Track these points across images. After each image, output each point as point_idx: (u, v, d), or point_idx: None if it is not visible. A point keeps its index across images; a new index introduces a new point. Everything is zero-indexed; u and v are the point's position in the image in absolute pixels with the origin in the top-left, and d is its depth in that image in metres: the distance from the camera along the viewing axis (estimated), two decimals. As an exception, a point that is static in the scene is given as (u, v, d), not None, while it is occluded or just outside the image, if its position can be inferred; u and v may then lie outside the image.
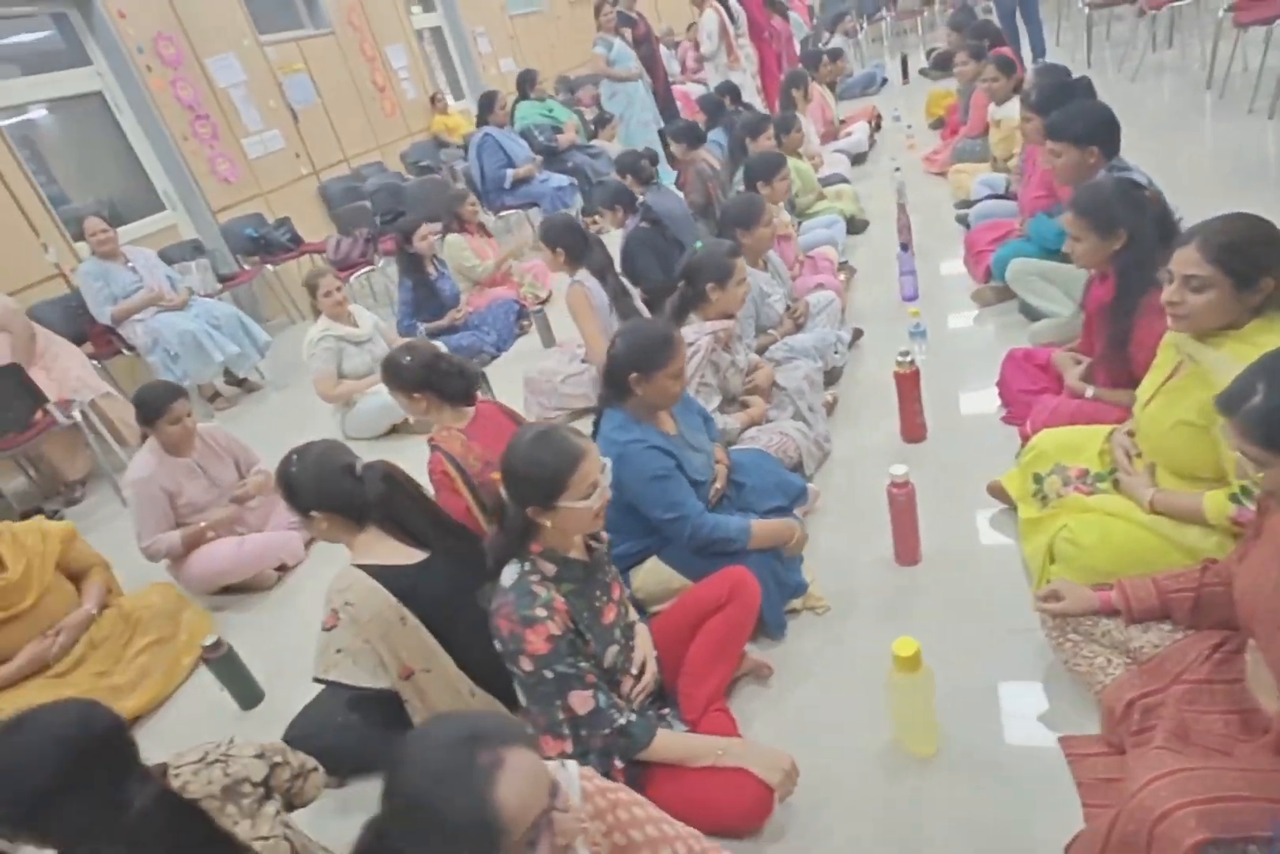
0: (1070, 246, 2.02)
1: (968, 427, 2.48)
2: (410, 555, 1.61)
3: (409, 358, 2.07)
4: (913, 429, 2.43)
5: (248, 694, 2.06)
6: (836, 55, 5.90)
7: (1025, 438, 2.08)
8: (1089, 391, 2.04)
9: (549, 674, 1.34)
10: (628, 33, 5.85)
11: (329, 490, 1.57)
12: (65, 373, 3.62)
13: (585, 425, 2.98)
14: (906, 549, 1.99)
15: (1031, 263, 2.81)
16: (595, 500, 1.37)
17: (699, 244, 2.58)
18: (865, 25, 9.36)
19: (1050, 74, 3.34)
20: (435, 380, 2.06)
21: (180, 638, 2.20)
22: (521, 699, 1.43)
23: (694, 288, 2.38)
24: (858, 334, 3.08)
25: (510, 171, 5.04)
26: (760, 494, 2.04)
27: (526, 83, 5.63)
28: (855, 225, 4.11)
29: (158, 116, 5.17)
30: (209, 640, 1.94)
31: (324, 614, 1.54)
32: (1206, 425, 1.46)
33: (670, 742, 1.43)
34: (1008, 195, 3.47)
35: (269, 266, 5.30)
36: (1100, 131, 2.40)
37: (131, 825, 1.02)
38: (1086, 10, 5.87)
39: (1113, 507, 1.67)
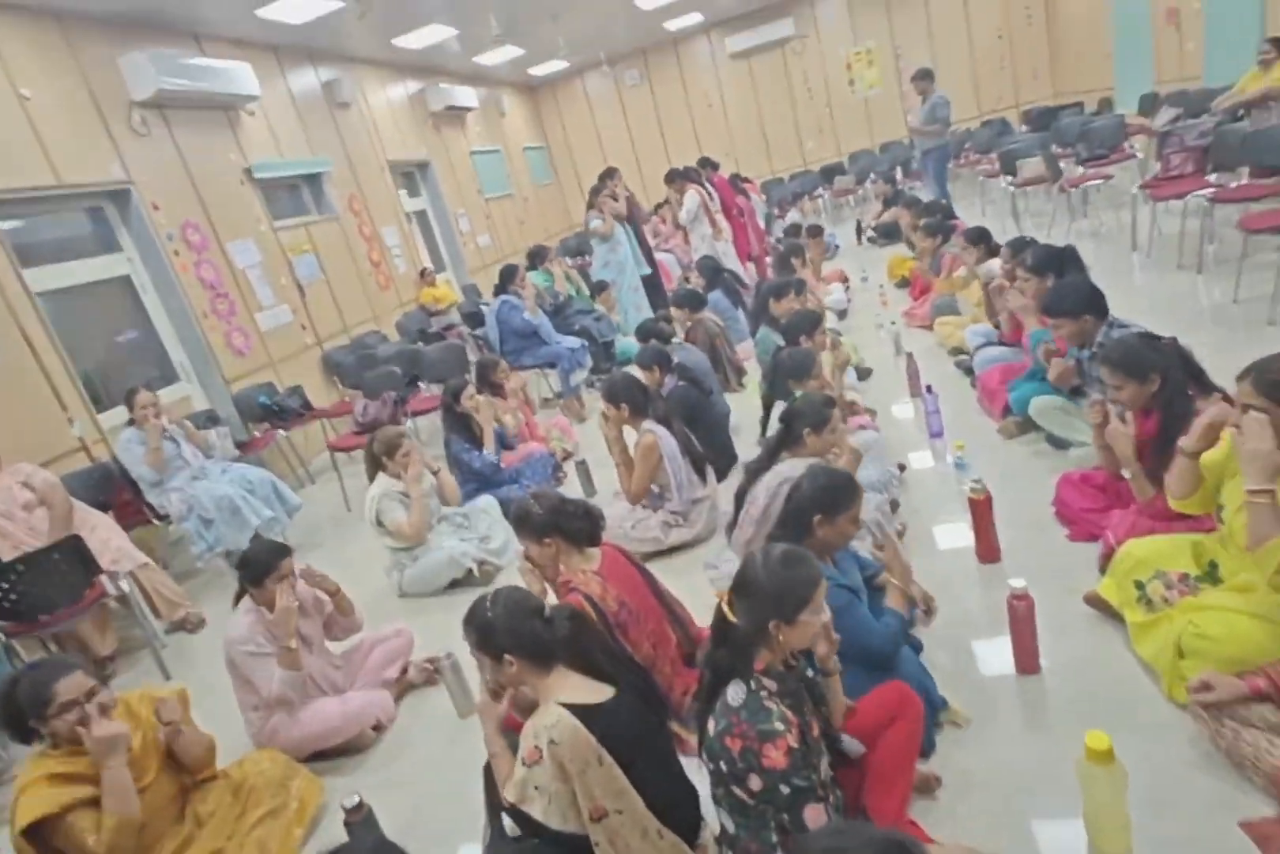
0: (1115, 396, 2.32)
1: (1035, 546, 2.65)
2: (598, 692, 1.63)
3: (536, 504, 2.18)
4: (989, 551, 2.59)
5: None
6: (817, 232, 6.66)
7: (1109, 549, 2.26)
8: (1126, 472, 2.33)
9: (785, 789, 1.36)
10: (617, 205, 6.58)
11: (523, 633, 1.62)
12: (104, 544, 3.54)
13: (656, 567, 3.10)
14: (1027, 657, 2.08)
15: (1051, 399, 3.14)
16: (825, 613, 1.48)
17: (798, 394, 2.85)
18: (807, 201, 10.62)
19: (1020, 244, 3.86)
20: (563, 523, 2.15)
21: (291, 807, 2.06)
22: (728, 826, 1.43)
23: (791, 432, 2.60)
24: (901, 468, 3.31)
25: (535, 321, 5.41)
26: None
27: (537, 256, 6.18)
28: (860, 373, 4.50)
29: (181, 295, 5.46)
30: (350, 802, 1.84)
31: (525, 748, 1.54)
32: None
33: None
34: (1003, 342, 3.90)
35: (281, 432, 5.41)
36: (1088, 302, 2.81)
37: None
38: (1011, 189, 6.88)
39: (1228, 602, 1.83)
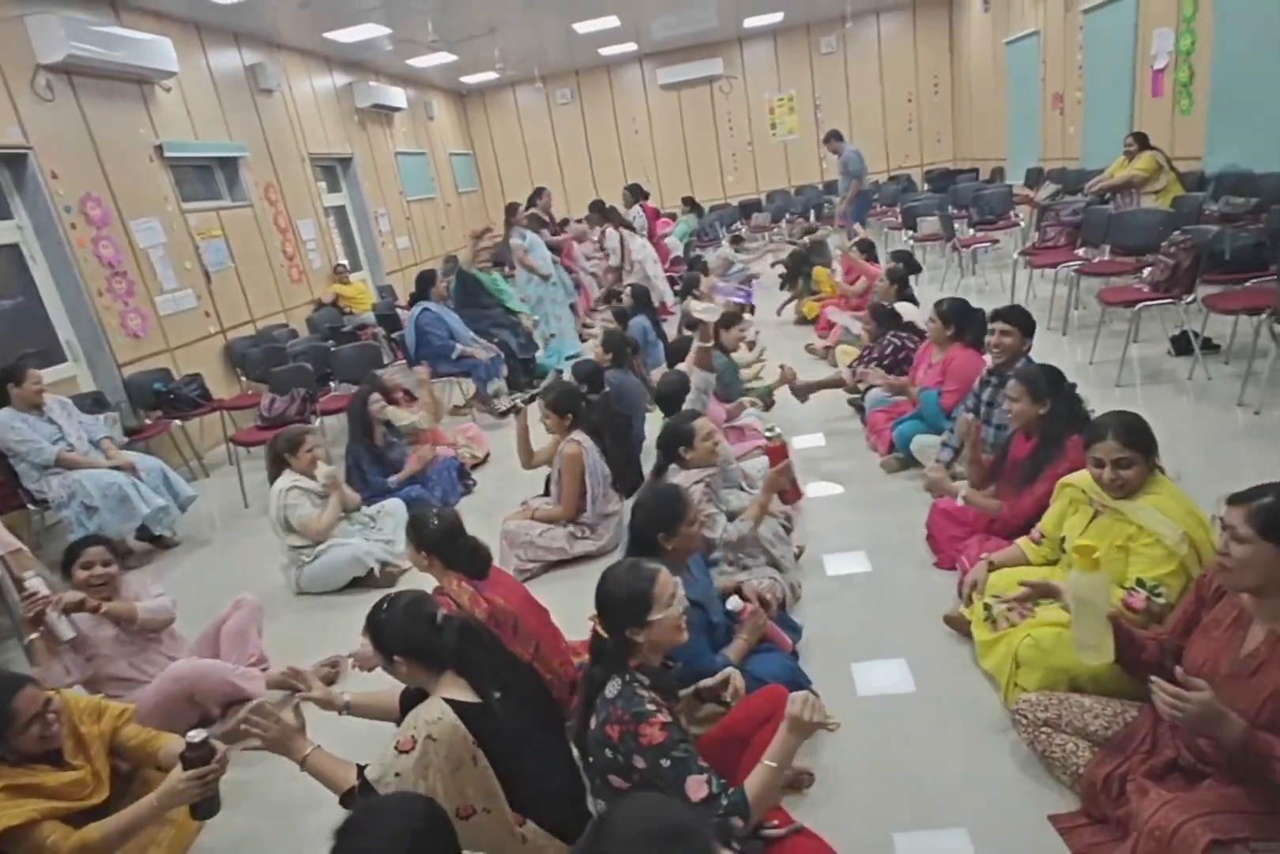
0: (1009, 405, 2.64)
1: (903, 569, 2.93)
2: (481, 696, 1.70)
3: (434, 520, 2.27)
4: (794, 494, 3.07)
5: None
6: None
7: (964, 573, 2.55)
8: (961, 494, 2.72)
9: (666, 762, 1.49)
10: (545, 233, 6.71)
11: (413, 637, 1.70)
12: (-29, 527, 3.35)
13: (561, 577, 3.22)
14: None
15: (929, 439, 3.47)
16: (677, 606, 1.63)
17: (666, 419, 3.03)
18: (726, 232, 11.05)
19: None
20: (446, 551, 2.25)
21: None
22: None
23: (669, 456, 2.78)
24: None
25: (460, 347, 5.45)
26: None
27: (427, 282, 6.20)
28: (765, 405, 4.78)
29: (75, 271, 5.20)
30: (197, 737, 1.69)
31: (402, 735, 1.60)
32: (1128, 547, 2.00)
33: (756, 784, 1.52)
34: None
35: (176, 421, 5.20)
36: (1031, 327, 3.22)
37: None
38: (911, 242, 7.45)
39: (1060, 618, 2.10)
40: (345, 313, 7.72)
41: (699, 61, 12.32)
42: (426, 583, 2.26)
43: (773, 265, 9.07)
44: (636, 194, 8.44)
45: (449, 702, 1.66)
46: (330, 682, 2.70)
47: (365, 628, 1.76)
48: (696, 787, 1.50)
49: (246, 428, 5.20)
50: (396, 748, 1.60)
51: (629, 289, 5.55)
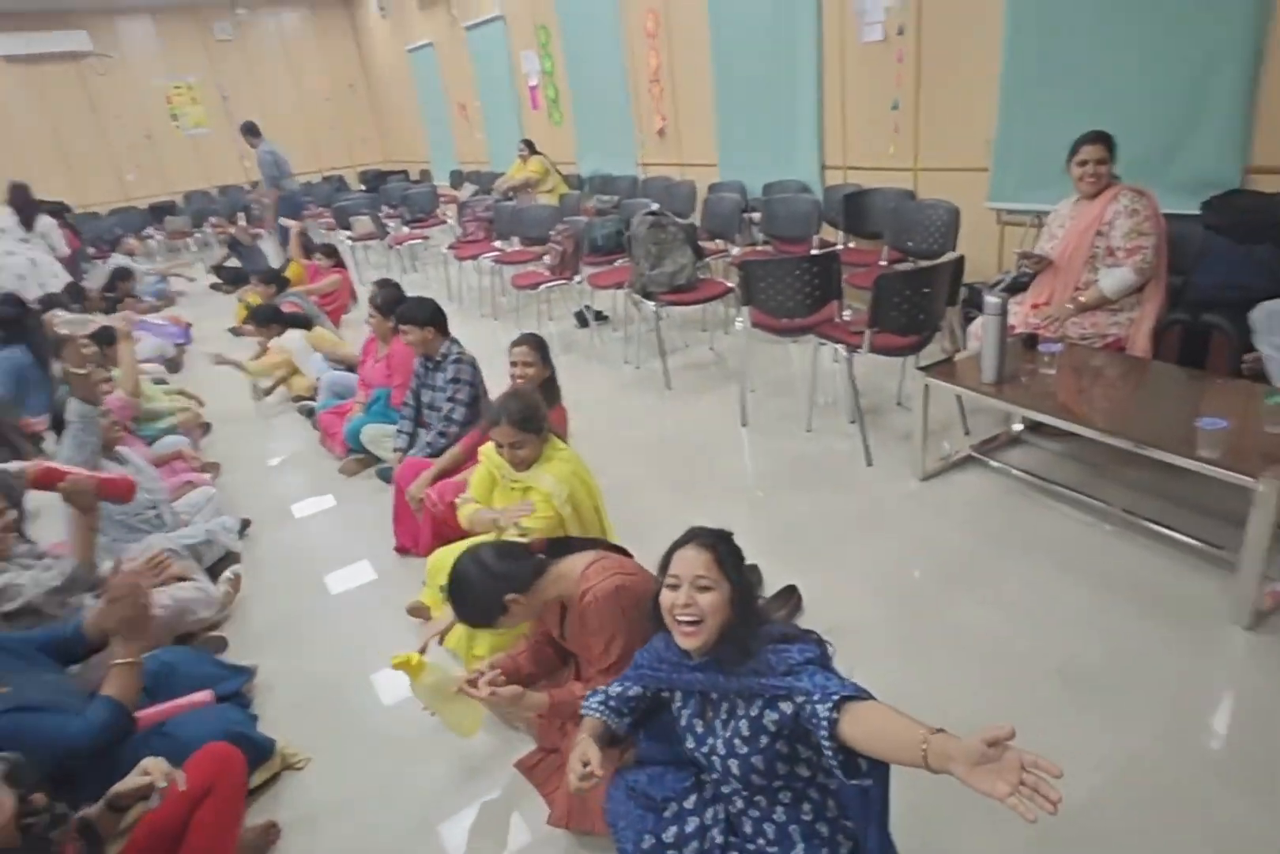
0: (521, 371, 2.71)
1: (370, 562, 2.86)
2: None
3: None
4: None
5: None
6: (125, 275, 6.03)
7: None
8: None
9: None
10: None
11: None
12: None
13: None
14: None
15: (382, 427, 3.43)
16: None
17: None
18: (133, 241, 9.36)
19: (386, 285, 4.06)
20: None
21: None
22: None
23: None
24: (246, 524, 3.17)
25: None
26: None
27: None
28: (201, 428, 4.22)
29: None
30: None
31: None
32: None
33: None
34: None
35: None
36: (436, 317, 3.14)
37: None
38: (349, 242, 7.35)
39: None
40: None
41: (56, 31, 10.20)
42: None
43: (212, 270, 8.14)
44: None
45: None
46: None
47: None
48: None
49: None
50: None
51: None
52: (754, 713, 1.27)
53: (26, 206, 5.95)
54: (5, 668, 1.66)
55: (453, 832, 1.78)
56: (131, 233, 9.65)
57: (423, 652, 2.01)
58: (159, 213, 10.38)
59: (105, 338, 3.79)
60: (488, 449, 2.38)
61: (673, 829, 1.38)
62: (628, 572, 1.77)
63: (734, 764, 1.30)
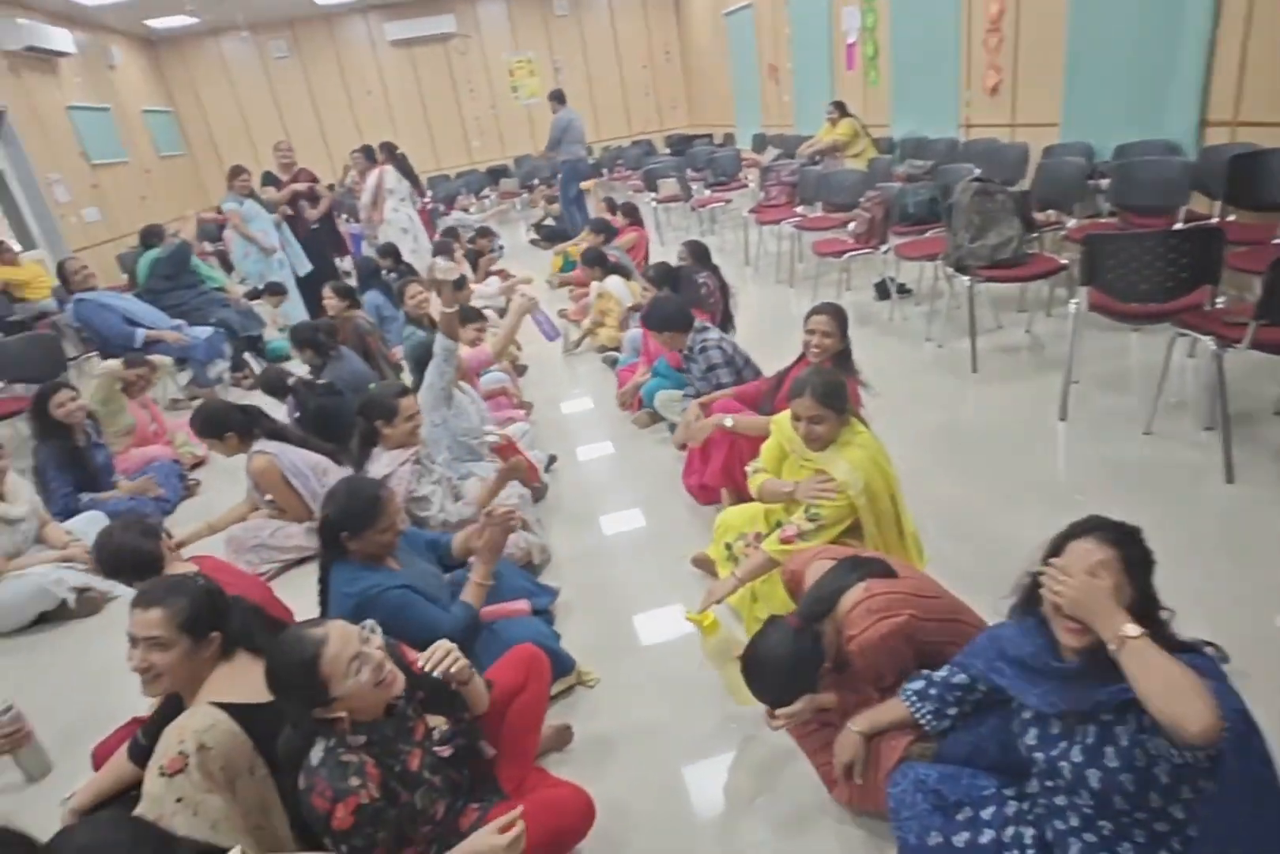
0: (818, 340, 2.65)
1: (660, 515, 3.03)
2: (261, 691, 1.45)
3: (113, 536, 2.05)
4: (533, 476, 3.10)
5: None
6: (486, 232, 6.90)
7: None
8: (728, 421, 2.69)
9: (344, 849, 1.30)
10: (270, 191, 6.03)
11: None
12: None
13: (303, 574, 2.95)
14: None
15: (671, 394, 3.59)
16: (367, 674, 1.35)
17: (372, 385, 2.83)
18: (475, 200, 10.62)
19: (691, 246, 4.28)
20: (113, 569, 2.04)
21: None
22: None
23: (368, 426, 2.56)
24: (553, 459, 3.53)
25: (141, 332, 4.79)
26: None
27: (154, 235, 5.43)
28: (518, 369, 4.71)
29: None
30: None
31: (166, 756, 1.37)
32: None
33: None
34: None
35: None
36: (668, 320, 3.23)
37: None
38: (654, 204, 7.68)
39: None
40: (17, 300, 6.50)
41: (430, 17, 11.71)
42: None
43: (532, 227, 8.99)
44: (391, 152, 7.78)
45: (223, 706, 1.45)
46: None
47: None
48: None
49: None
50: (162, 772, 1.36)
51: (358, 261, 5.18)
52: (1133, 726, 1.13)
53: (409, 173, 6.93)
54: (407, 551, 2.09)
55: (720, 777, 1.87)
56: (471, 193, 10.94)
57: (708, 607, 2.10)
58: (495, 175, 11.63)
59: (459, 284, 4.35)
60: (781, 419, 2.31)
61: (965, 835, 1.32)
62: (894, 609, 1.57)
63: (1093, 776, 1.16)
